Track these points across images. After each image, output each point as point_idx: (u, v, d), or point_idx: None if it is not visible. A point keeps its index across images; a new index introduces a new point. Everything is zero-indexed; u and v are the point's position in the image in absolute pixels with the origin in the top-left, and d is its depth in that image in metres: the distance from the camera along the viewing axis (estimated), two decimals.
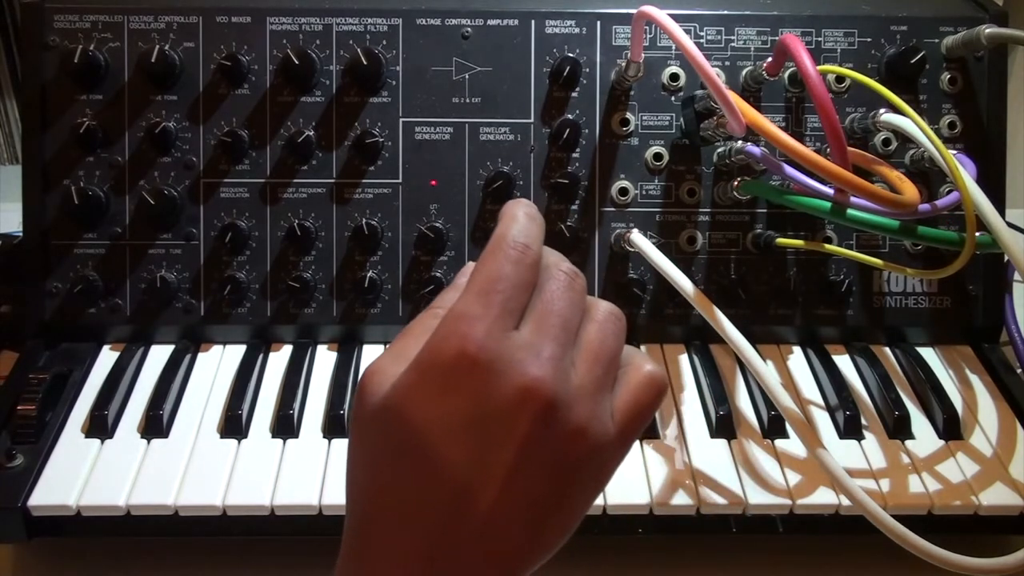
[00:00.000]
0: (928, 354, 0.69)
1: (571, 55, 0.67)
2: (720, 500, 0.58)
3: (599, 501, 0.57)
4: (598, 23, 0.68)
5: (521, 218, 0.40)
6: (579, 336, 0.38)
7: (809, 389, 0.66)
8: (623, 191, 0.68)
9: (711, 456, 0.60)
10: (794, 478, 0.59)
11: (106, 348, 0.68)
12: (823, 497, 0.58)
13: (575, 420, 0.35)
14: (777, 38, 0.66)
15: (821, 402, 0.65)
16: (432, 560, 0.34)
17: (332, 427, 0.61)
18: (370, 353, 0.68)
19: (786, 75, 0.68)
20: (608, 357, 0.38)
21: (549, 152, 0.68)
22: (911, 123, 0.60)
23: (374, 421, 0.36)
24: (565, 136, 0.67)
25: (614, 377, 0.39)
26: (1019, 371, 0.68)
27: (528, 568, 0.36)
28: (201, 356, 0.67)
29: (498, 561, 0.35)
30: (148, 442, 0.60)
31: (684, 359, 0.68)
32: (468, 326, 0.35)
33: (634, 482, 0.58)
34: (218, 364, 0.67)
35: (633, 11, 0.60)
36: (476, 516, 0.34)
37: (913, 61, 0.67)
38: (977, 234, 0.56)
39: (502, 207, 0.41)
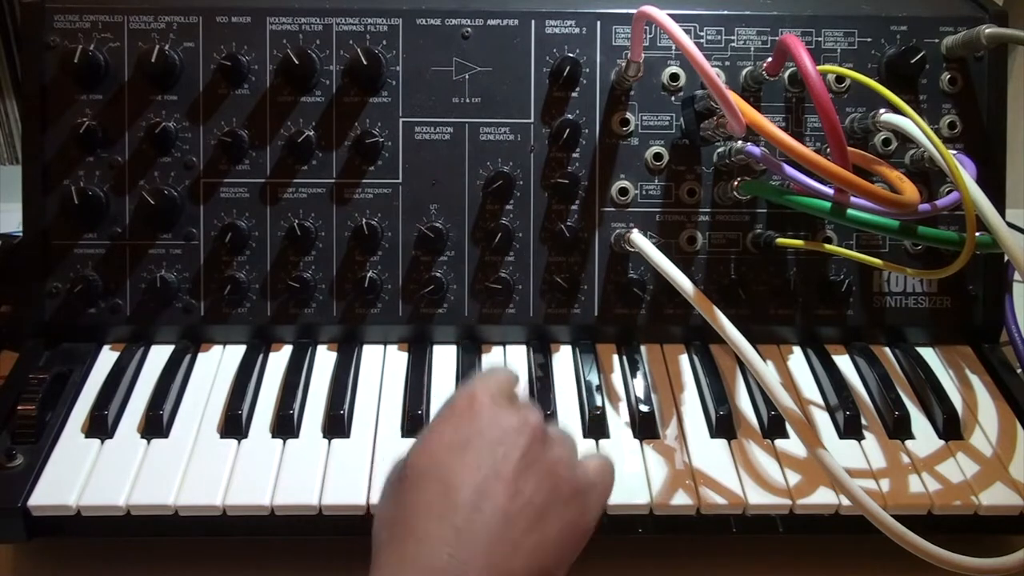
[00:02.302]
0: (928, 354, 0.69)
1: (571, 55, 0.67)
2: (720, 500, 0.58)
3: None
4: (598, 23, 0.68)
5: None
6: None
7: (809, 389, 0.66)
8: (623, 191, 0.68)
9: (711, 456, 0.60)
10: (794, 478, 0.59)
11: (106, 348, 0.68)
12: (823, 497, 0.58)
13: (557, 452, 0.46)
14: (777, 38, 0.66)
15: (821, 402, 0.65)
16: (459, 545, 0.41)
17: (332, 427, 0.61)
18: (370, 353, 0.68)
19: (786, 75, 0.68)
20: (571, 447, 0.49)
21: (549, 152, 0.68)
22: (911, 123, 0.60)
23: (406, 471, 0.45)
24: (565, 136, 0.67)
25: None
26: (1019, 371, 0.68)
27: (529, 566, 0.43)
28: (201, 356, 0.67)
29: (510, 546, 0.42)
30: (148, 442, 0.60)
31: (684, 359, 0.68)
32: (475, 388, 0.47)
33: (634, 482, 0.58)
34: (218, 364, 0.67)
35: (633, 11, 0.60)
36: (492, 510, 0.42)
37: (913, 61, 0.67)
38: (977, 234, 0.56)
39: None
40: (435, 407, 0.57)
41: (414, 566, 0.41)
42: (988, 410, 0.65)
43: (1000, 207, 0.67)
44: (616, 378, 0.67)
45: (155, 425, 0.61)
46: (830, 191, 0.58)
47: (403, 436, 0.61)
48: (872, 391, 0.66)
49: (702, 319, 0.59)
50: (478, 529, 0.42)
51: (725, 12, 0.69)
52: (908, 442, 0.62)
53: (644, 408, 0.62)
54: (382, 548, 0.43)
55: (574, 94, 0.68)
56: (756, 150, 0.62)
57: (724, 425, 0.62)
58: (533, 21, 0.68)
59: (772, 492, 0.58)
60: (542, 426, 0.46)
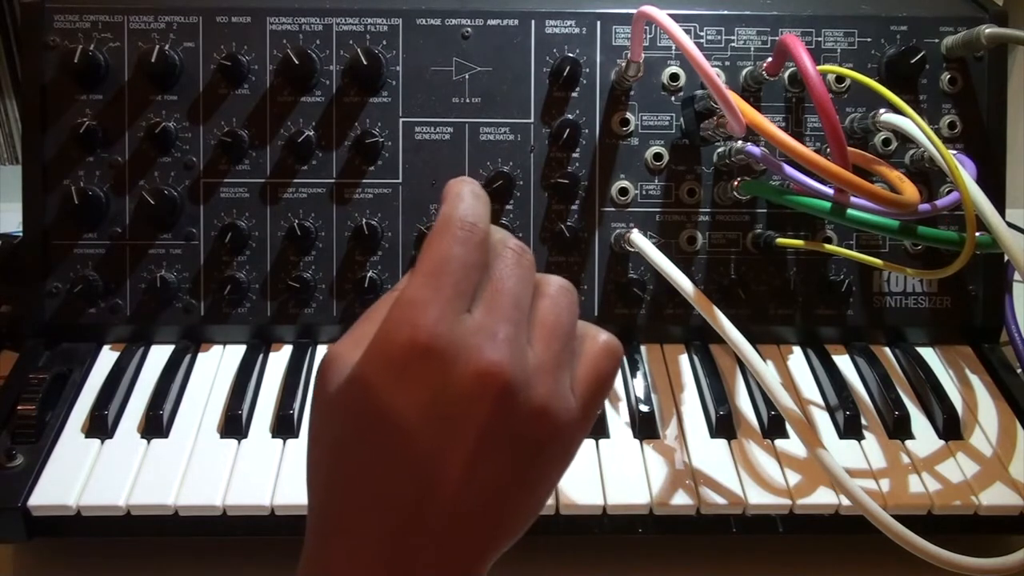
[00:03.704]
0: (928, 354, 0.69)
1: (571, 55, 0.67)
2: (720, 500, 0.58)
3: (599, 500, 0.57)
4: (598, 23, 0.68)
5: (467, 196, 0.38)
6: (532, 313, 0.37)
7: (809, 389, 0.66)
8: (623, 191, 0.68)
9: (711, 456, 0.60)
10: (794, 478, 0.59)
11: (106, 348, 0.68)
12: (823, 497, 0.58)
13: (536, 400, 0.34)
14: (777, 38, 0.66)
15: (821, 402, 0.65)
16: (393, 559, 0.33)
17: None
18: None
19: (786, 75, 0.68)
20: (564, 332, 0.37)
21: (549, 152, 0.68)
22: (911, 123, 0.60)
23: (331, 411, 0.35)
24: (565, 136, 0.67)
25: (572, 351, 0.38)
26: (1019, 371, 0.68)
27: (493, 556, 0.35)
28: (201, 356, 0.67)
29: (461, 556, 0.34)
30: (148, 442, 0.60)
31: (684, 359, 0.68)
32: (418, 313, 0.34)
33: (634, 482, 0.58)
34: (218, 364, 0.67)
35: (633, 11, 0.60)
36: (438, 510, 0.33)
37: (913, 61, 0.67)
38: (977, 234, 0.56)
39: (445, 186, 0.39)
40: None
41: None
42: (988, 410, 0.65)
43: (1000, 207, 0.67)
44: (616, 378, 0.67)
45: (155, 425, 0.61)
46: (830, 191, 0.58)
47: None
48: (872, 391, 0.66)
49: (702, 319, 0.59)
50: (414, 543, 0.33)
51: (725, 12, 0.69)
52: (908, 442, 0.62)
53: (644, 408, 0.62)
54: (310, 530, 0.36)
55: (574, 94, 0.68)
56: (756, 150, 0.62)
57: (724, 425, 0.62)
58: (533, 21, 0.68)
59: (772, 492, 0.58)
60: (513, 370, 0.34)
